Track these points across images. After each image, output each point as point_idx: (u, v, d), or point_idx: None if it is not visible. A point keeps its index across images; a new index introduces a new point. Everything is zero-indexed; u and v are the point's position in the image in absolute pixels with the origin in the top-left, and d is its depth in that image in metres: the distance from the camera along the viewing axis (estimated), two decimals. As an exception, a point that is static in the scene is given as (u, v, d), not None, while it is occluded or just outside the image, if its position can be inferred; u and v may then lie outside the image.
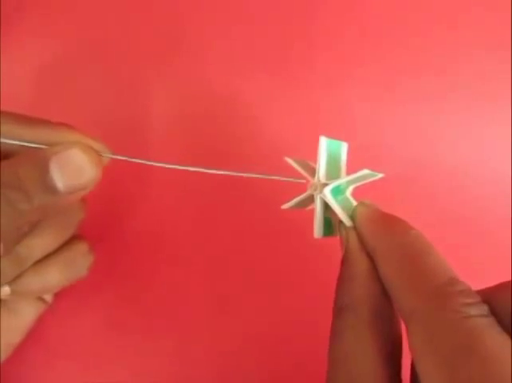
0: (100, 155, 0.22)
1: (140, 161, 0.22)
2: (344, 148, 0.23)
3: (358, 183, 0.22)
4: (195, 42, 0.34)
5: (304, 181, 0.22)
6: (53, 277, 0.25)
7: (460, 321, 0.16)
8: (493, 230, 0.33)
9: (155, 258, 0.32)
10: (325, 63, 0.34)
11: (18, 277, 0.24)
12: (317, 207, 0.22)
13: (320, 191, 0.21)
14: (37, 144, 0.21)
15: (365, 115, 0.34)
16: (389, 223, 0.20)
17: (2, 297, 0.25)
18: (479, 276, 0.31)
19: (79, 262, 0.26)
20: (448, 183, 0.34)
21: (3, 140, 0.21)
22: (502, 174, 0.33)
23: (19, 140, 0.21)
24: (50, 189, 0.21)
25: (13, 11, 0.34)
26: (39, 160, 0.21)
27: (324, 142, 0.22)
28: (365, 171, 0.21)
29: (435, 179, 0.34)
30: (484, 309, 0.17)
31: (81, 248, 0.26)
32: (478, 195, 0.33)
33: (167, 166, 0.22)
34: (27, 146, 0.21)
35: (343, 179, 0.21)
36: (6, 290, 0.24)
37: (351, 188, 0.23)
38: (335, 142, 0.23)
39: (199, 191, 0.32)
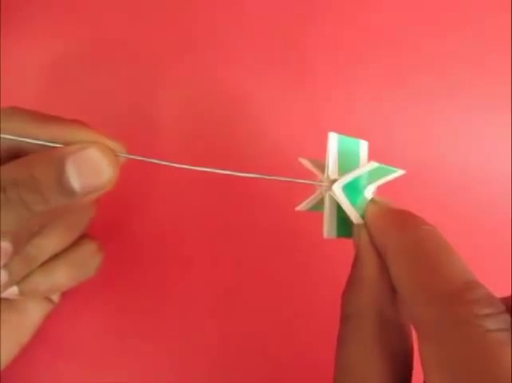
0: (117, 155, 0.21)
1: (156, 161, 0.21)
2: (363, 146, 0.22)
3: (378, 182, 0.22)
4: (200, 43, 0.34)
5: (317, 183, 0.22)
6: (61, 277, 0.25)
7: (475, 336, 0.15)
8: (493, 230, 0.33)
9: (162, 258, 0.32)
10: (328, 63, 0.34)
11: (26, 277, 0.24)
12: (326, 205, 0.21)
13: (330, 188, 0.21)
14: (52, 142, 0.21)
15: (367, 115, 0.34)
16: (400, 219, 0.19)
17: (10, 297, 0.24)
18: (479, 276, 0.32)
19: (87, 263, 0.26)
20: (449, 183, 0.34)
21: (17, 139, 0.20)
22: (502, 174, 0.33)
23: (33, 139, 0.21)
24: (66, 190, 0.20)
25: (14, 11, 0.34)
26: (55, 160, 0.20)
27: (334, 138, 0.21)
28: (374, 165, 0.20)
29: (436, 179, 0.34)
30: (505, 321, 0.15)
31: (90, 248, 0.26)
32: (478, 195, 0.34)
33: (179, 166, 0.22)
34: (41, 145, 0.21)
35: (352, 174, 0.21)
36: (14, 290, 0.24)
37: (371, 188, 0.22)
38: (351, 140, 0.22)
39: (208, 191, 0.32)
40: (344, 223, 0.22)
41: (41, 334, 0.28)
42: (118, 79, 0.34)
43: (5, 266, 0.22)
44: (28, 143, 0.20)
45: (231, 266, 0.32)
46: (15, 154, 0.21)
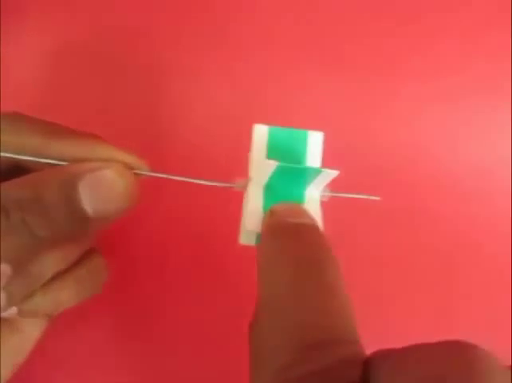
0: (138, 174, 0.18)
1: (180, 178, 0.19)
2: (314, 138, 0.19)
3: (315, 185, 0.19)
4: (210, 39, 0.31)
5: (229, 185, 0.19)
6: (65, 297, 0.22)
7: None
8: (492, 230, 0.32)
9: (161, 273, 0.30)
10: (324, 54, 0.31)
11: (27, 297, 0.21)
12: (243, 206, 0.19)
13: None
14: (62, 159, 0.17)
15: (369, 116, 0.32)
16: (281, 237, 0.16)
17: (8, 316, 0.22)
18: (479, 277, 0.30)
19: (93, 280, 0.23)
20: (449, 183, 0.32)
21: (20, 157, 0.17)
22: (502, 173, 0.32)
23: (39, 154, 0.17)
24: (78, 216, 0.17)
25: (14, 4, 0.30)
26: (66, 181, 0.17)
27: (262, 131, 0.18)
28: (273, 165, 0.17)
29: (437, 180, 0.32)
30: None
31: (97, 264, 0.23)
32: (478, 195, 0.32)
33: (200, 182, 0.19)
34: (50, 163, 0.17)
35: (261, 174, 0.18)
36: (13, 309, 0.21)
37: (313, 191, 0.19)
38: (293, 132, 0.19)
39: (212, 203, 0.30)
40: None
41: (37, 346, 0.25)
42: (120, 79, 0.31)
43: (4, 287, 0.20)
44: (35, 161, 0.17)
45: (232, 274, 0.30)
46: (17, 167, 0.18)
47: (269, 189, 0.18)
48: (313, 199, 0.19)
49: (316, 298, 0.14)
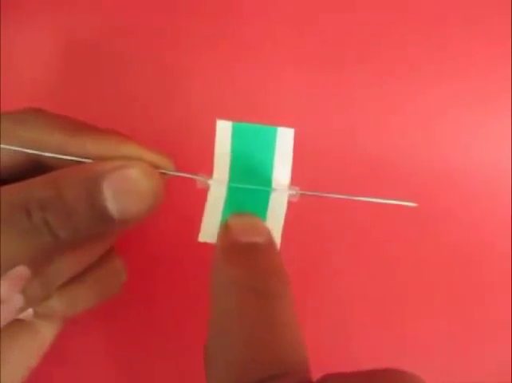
0: (164, 174, 0.18)
1: (204, 180, 0.19)
2: (283, 135, 0.18)
3: (281, 191, 0.18)
4: (230, 36, 0.31)
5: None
6: (82, 299, 0.22)
7: None
8: (506, 230, 0.32)
9: (162, 275, 0.30)
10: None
11: (44, 298, 0.21)
12: (206, 204, 0.18)
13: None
14: (84, 157, 0.17)
15: (369, 117, 0.32)
16: (233, 258, 0.15)
17: (24, 318, 0.21)
18: (479, 277, 0.31)
19: (112, 282, 0.23)
20: (463, 184, 0.32)
21: (39, 153, 0.17)
22: (501, 173, 0.32)
23: (59, 151, 0.17)
24: (101, 216, 0.17)
25: (13, 4, 0.30)
26: (90, 179, 0.17)
27: (225, 127, 0.18)
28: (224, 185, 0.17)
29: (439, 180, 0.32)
30: None
31: (115, 266, 0.23)
32: (491, 195, 0.32)
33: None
34: (70, 160, 0.17)
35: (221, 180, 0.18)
36: (29, 311, 0.21)
37: (282, 196, 0.18)
38: (261, 128, 0.18)
39: None
40: None
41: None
42: (119, 78, 0.31)
43: (23, 290, 0.19)
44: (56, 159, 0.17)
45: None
46: (38, 165, 0.18)
47: (232, 191, 0.18)
48: (278, 200, 0.18)
49: (261, 332, 0.13)
